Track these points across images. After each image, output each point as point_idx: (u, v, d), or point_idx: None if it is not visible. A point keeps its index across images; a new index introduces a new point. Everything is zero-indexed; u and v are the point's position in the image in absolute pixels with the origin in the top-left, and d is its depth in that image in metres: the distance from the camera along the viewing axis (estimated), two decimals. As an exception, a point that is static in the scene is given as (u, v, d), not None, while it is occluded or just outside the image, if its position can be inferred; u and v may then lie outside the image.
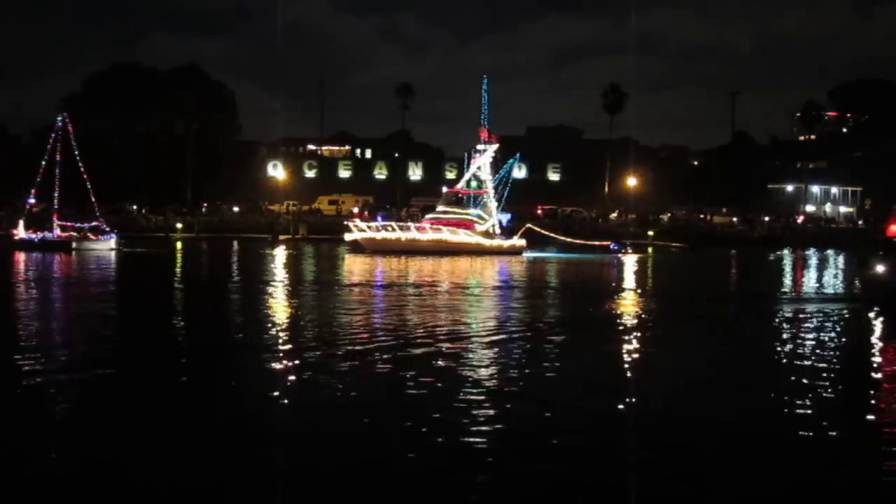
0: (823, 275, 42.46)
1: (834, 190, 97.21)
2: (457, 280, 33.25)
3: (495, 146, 55.87)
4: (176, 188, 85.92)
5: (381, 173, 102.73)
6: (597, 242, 57.13)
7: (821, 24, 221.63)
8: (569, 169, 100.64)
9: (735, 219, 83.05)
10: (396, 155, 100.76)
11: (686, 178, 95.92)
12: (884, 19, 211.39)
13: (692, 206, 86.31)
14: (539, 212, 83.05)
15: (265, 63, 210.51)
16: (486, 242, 51.74)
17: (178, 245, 59.36)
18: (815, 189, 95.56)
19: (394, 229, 52.75)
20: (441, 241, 50.95)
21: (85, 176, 50.17)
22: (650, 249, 61.79)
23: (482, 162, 54.70)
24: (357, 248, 51.44)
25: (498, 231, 54.09)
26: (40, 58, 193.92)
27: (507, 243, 52.42)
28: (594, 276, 38.61)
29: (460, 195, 54.93)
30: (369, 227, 53.29)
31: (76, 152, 50.53)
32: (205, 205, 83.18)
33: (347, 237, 53.00)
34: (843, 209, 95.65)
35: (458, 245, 50.57)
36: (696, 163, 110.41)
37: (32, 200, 74.96)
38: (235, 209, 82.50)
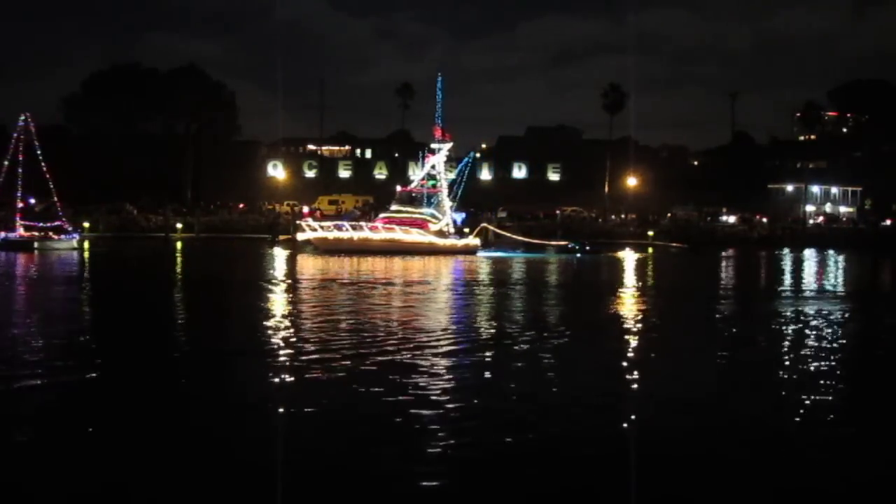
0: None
1: (834, 190, 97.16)
2: (392, 280, 32.87)
3: (449, 144, 55.60)
4: (176, 188, 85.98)
5: (381, 173, 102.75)
6: (554, 242, 56.98)
7: (820, 24, 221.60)
8: (569, 169, 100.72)
9: (734, 218, 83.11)
10: (396, 155, 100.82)
11: (686, 178, 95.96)
12: (883, 19, 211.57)
13: (692, 206, 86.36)
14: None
15: (264, 63, 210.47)
16: (440, 242, 51.31)
17: (178, 244, 59.51)
18: (815, 189, 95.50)
19: (346, 229, 52.26)
20: (394, 241, 50.53)
21: (47, 175, 50.66)
22: (650, 249, 61.88)
23: (436, 160, 54.33)
24: (310, 247, 50.99)
25: (452, 230, 53.81)
26: (40, 58, 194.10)
27: (460, 242, 52.24)
28: (548, 276, 37.77)
29: (414, 194, 54.34)
30: (322, 227, 52.85)
31: (38, 152, 50.92)
32: (215, 204, 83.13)
33: (300, 237, 52.47)
34: (843, 209, 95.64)
35: (411, 245, 50.12)
36: (696, 163, 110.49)
37: (33, 200, 75.45)
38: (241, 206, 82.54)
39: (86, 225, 69.58)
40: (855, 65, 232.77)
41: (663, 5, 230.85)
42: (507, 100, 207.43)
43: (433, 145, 54.91)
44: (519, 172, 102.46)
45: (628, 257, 52.08)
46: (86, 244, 55.64)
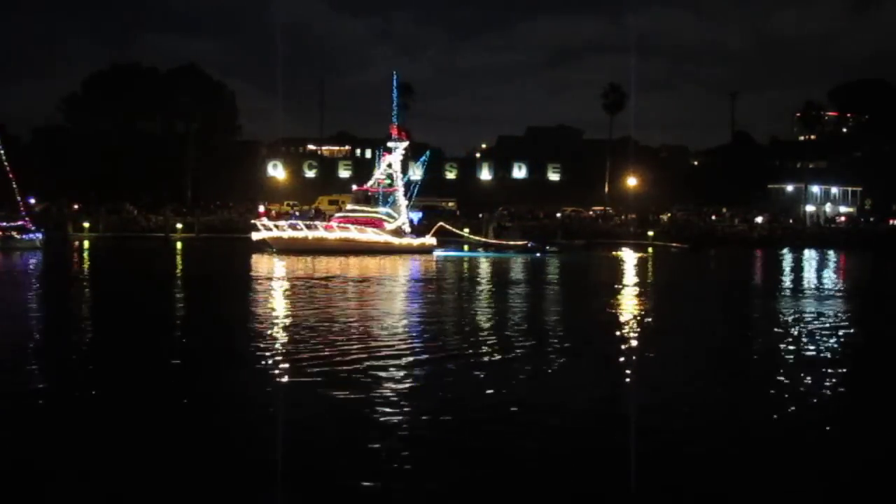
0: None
1: (834, 190, 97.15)
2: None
3: (405, 143, 55.39)
4: (176, 188, 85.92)
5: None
6: (513, 242, 56.92)
7: (820, 24, 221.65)
8: (569, 169, 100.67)
9: (735, 218, 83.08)
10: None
11: (686, 178, 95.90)
12: (883, 19, 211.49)
13: (692, 206, 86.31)
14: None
15: (264, 64, 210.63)
16: (396, 241, 51.18)
17: (178, 245, 59.45)
18: (815, 189, 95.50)
19: (302, 228, 51.84)
20: (349, 240, 50.33)
21: (11, 175, 51.03)
22: (650, 249, 61.83)
23: (392, 160, 54.11)
24: (264, 247, 50.33)
25: (408, 229, 53.65)
26: (40, 58, 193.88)
27: (416, 242, 52.05)
28: (503, 276, 37.01)
29: (370, 193, 53.87)
30: (276, 227, 52.54)
31: (2, 151, 51.22)
32: (215, 204, 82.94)
33: (255, 236, 51.85)
34: (843, 209, 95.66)
35: (367, 244, 50.00)
36: (696, 163, 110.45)
37: (33, 200, 75.27)
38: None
39: (86, 225, 69.65)
40: (855, 65, 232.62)
41: (663, 5, 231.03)
42: (507, 100, 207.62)
43: (389, 144, 54.75)
44: (519, 172, 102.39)
45: (592, 259, 51.61)
46: (87, 243, 55.54)
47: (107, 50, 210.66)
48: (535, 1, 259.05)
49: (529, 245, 54.90)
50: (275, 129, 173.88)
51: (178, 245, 59.76)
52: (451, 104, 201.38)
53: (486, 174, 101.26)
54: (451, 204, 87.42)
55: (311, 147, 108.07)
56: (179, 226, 70.78)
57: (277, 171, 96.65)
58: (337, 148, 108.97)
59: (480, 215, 74.15)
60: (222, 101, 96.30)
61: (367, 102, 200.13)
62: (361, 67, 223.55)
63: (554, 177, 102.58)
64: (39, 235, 51.72)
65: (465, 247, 55.53)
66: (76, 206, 75.93)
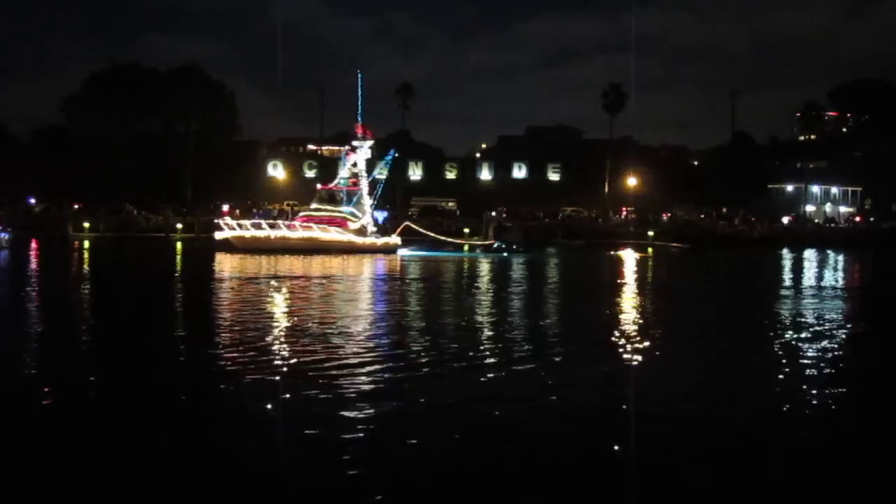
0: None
1: (834, 190, 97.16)
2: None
3: (370, 142, 55.66)
4: (176, 188, 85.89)
5: (381, 174, 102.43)
6: (480, 242, 56.74)
7: (820, 24, 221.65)
8: (569, 169, 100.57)
9: (735, 218, 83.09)
10: (396, 155, 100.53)
11: (686, 178, 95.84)
12: (883, 19, 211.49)
13: (692, 206, 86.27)
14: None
15: (263, 64, 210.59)
16: (359, 240, 51.24)
17: (177, 245, 59.42)
18: (815, 189, 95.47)
19: (264, 227, 51.83)
20: (312, 239, 50.34)
21: None
22: (650, 250, 61.80)
23: (357, 158, 54.29)
24: (228, 246, 49.99)
25: (373, 229, 53.58)
26: (40, 58, 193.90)
27: (380, 241, 52.11)
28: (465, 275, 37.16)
29: (334, 192, 53.89)
30: (240, 226, 52.47)
31: None
32: (215, 204, 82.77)
33: (218, 235, 51.55)
34: (843, 209, 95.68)
35: (330, 243, 50.00)
36: (696, 163, 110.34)
37: (33, 200, 75.29)
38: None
39: (86, 225, 69.68)
40: (855, 65, 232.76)
41: (662, 5, 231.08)
42: (507, 100, 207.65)
43: (354, 143, 54.96)
44: (519, 172, 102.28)
45: (560, 258, 51.52)
46: (87, 243, 55.33)
47: (107, 50, 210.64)
48: (535, 1, 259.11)
49: (496, 245, 54.71)
50: (275, 129, 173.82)
51: (178, 245, 59.78)
52: (451, 104, 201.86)
53: (486, 174, 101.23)
54: (451, 204, 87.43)
55: (311, 147, 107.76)
56: (179, 226, 70.76)
57: (277, 171, 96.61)
58: (337, 148, 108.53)
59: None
60: (222, 101, 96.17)
61: (367, 102, 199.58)
62: (361, 68, 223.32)
63: (554, 177, 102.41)
64: (6, 235, 52.04)
65: (431, 246, 55.04)
66: (76, 206, 75.90)
